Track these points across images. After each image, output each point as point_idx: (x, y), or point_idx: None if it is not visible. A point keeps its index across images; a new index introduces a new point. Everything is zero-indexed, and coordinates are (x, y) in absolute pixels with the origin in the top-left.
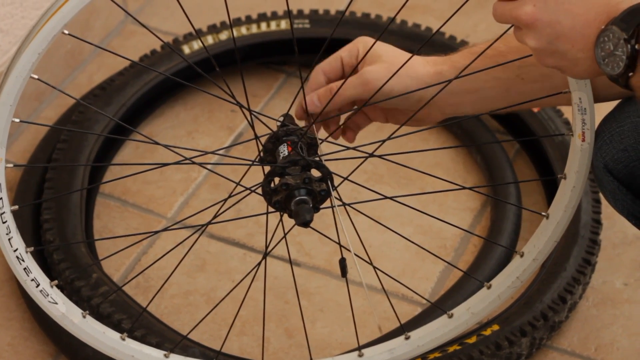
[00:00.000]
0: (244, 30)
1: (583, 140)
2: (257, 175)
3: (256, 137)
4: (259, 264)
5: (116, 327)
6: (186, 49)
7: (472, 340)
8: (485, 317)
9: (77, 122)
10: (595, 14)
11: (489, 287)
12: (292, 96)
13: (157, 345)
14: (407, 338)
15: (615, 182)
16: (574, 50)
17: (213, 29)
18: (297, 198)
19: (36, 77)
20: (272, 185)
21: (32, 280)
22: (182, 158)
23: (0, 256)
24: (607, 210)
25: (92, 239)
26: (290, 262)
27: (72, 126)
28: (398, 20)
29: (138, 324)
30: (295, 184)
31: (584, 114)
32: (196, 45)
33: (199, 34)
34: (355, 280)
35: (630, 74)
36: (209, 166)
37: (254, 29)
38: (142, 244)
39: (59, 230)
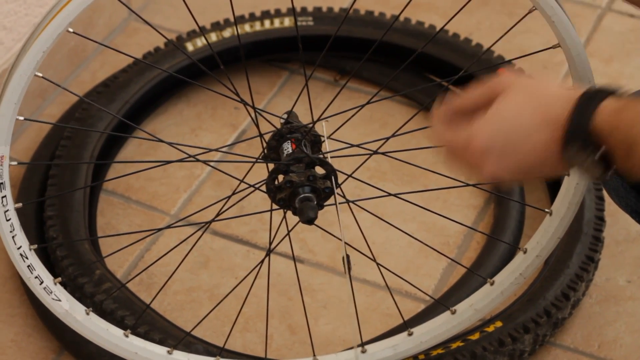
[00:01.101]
0: (247, 27)
1: None
2: (260, 172)
3: (260, 135)
4: (262, 261)
5: (119, 323)
6: (190, 47)
7: (475, 336)
8: (489, 314)
9: (81, 119)
10: (544, 142)
11: (492, 284)
12: (296, 94)
13: (161, 342)
14: (410, 334)
15: (619, 179)
16: (545, 169)
17: (217, 27)
18: (301, 195)
19: (40, 75)
20: (276, 182)
21: (36, 277)
22: (186, 155)
23: (4, 252)
24: (611, 208)
25: (95, 237)
26: (294, 258)
27: (76, 123)
28: (402, 17)
29: (141, 320)
30: (300, 181)
31: None
32: (200, 42)
33: (202, 31)
34: (359, 277)
35: (614, 167)
36: (212, 163)
37: (257, 26)
38: (146, 240)
39: (62, 227)
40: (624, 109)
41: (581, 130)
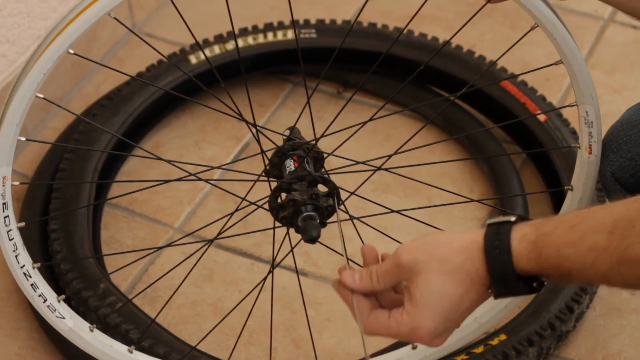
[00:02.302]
0: (250, 40)
1: (590, 152)
2: (263, 186)
3: (262, 152)
4: (265, 278)
5: (124, 337)
6: (193, 59)
7: (480, 349)
8: (493, 327)
9: (85, 132)
10: (475, 293)
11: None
12: (299, 106)
13: (165, 356)
14: (414, 348)
15: (623, 190)
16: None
17: (220, 39)
18: (304, 214)
19: (42, 96)
20: (279, 200)
21: (40, 295)
22: (187, 173)
23: (7, 267)
24: None
25: (100, 254)
26: (297, 272)
27: (79, 136)
28: (405, 30)
29: (146, 334)
30: (302, 199)
31: (591, 127)
32: (203, 55)
33: (201, 47)
34: None
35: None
36: (213, 181)
37: (260, 38)
38: (148, 252)
39: (66, 241)
40: (540, 246)
41: (507, 284)
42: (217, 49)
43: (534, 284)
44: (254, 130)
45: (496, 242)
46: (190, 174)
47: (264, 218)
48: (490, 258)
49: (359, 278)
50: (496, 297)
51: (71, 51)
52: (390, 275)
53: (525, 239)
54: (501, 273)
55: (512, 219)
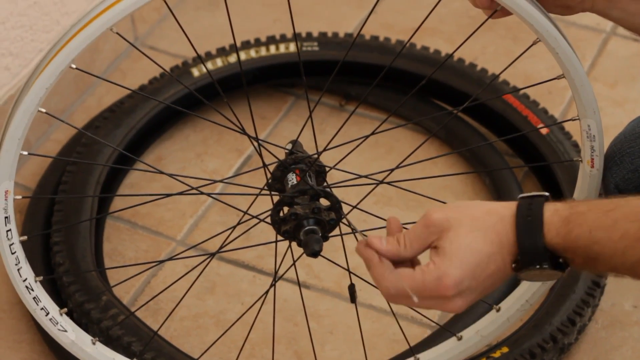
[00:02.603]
0: (253, 53)
1: (592, 166)
2: (266, 200)
3: (264, 166)
4: (267, 291)
5: (126, 350)
6: (195, 72)
7: None
8: (495, 340)
9: (87, 145)
10: (502, 260)
11: (498, 310)
12: (301, 118)
13: None
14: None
15: None
16: (496, 285)
17: (222, 52)
18: (306, 228)
19: (44, 110)
20: (281, 214)
21: (42, 309)
22: (188, 187)
23: (10, 280)
24: None
25: (102, 268)
26: (299, 285)
27: (82, 149)
28: (407, 43)
29: (148, 346)
30: (304, 213)
31: (593, 141)
32: (205, 68)
33: (203, 60)
34: (365, 302)
35: (568, 268)
36: (215, 194)
37: (263, 51)
38: (151, 265)
39: (68, 253)
40: (572, 226)
41: (536, 251)
42: (219, 62)
43: (560, 260)
44: (255, 144)
45: (529, 211)
46: (193, 188)
47: (266, 230)
48: (520, 225)
49: (386, 242)
50: (519, 269)
51: (73, 66)
52: (418, 240)
53: (557, 214)
54: (530, 240)
55: (546, 194)
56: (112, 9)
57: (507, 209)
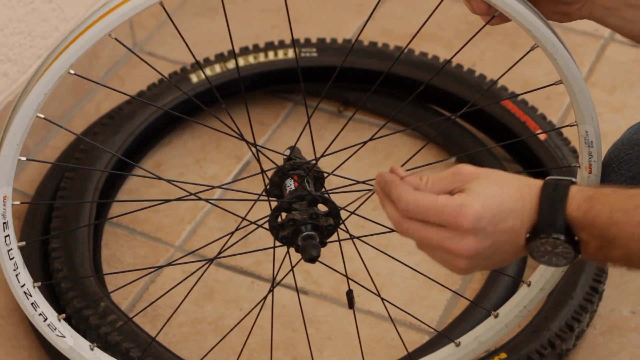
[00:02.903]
0: (251, 59)
1: (590, 172)
2: (264, 205)
3: (262, 172)
4: (265, 297)
5: (124, 356)
6: (194, 78)
7: None
8: (493, 346)
9: (86, 151)
10: (520, 223)
11: (496, 316)
12: (300, 124)
13: None
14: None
15: None
16: (505, 255)
17: (221, 58)
18: (304, 234)
19: (42, 116)
20: (279, 220)
21: (40, 314)
22: (187, 193)
23: (7, 285)
24: None
25: (101, 274)
26: (297, 291)
27: (81, 155)
28: (405, 49)
29: (146, 352)
30: (302, 219)
31: (591, 147)
32: (203, 74)
33: (201, 66)
34: (363, 308)
35: (579, 256)
36: (213, 200)
37: (261, 57)
38: (149, 271)
39: (66, 259)
40: (594, 203)
41: (555, 217)
42: (218, 68)
43: (575, 238)
44: (254, 149)
45: (555, 185)
46: (191, 194)
47: (264, 236)
48: (545, 193)
49: (407, 174)
50: (533, 238)
51: (72, 72)
52: (442, 182)
53: (582, 192)
54: (551, 209)
55: (574, 179)
56: (110, 14)
57: (535, 180)
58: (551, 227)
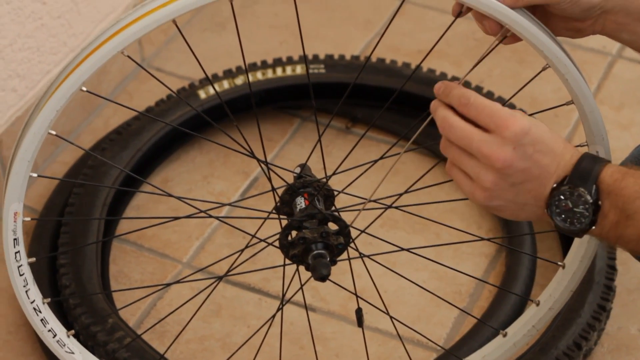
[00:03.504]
0: (259, 75)
1: None
2: (272, 223)
3: (273, 190)
4: (274, 316)
5: None
6: (202, 94)
7: None
8: None
9: (94, 167)
10: (555, 166)
11: (504, 335)
12: (307, 141)
13: None
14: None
15: None
16: (528, 197)
17: (229, 74)
18: (314, 252)
19: (54, 133)
20: (289, 238)
21: (49, 330)
22: (197, 210)
23: (16, 300)
24: (622, 256)
25: (109, 290)
26: (307, 309)
27: (89, 171)
28: (413, 65)
29: None
30: (313, 237)
31: None
32: (212, 90)
33: (211, 81)
34: (371, 326)
35: (593, 227)
36: (223, 217)
37: (269, 74)
38: (157, 288)
39: (74, 275)
40: (627, 175)
41: (589, 175)
42: (226, 84)
43: (599, 202)
44: (265, 167)
45: (595, 154)
46: (201, 211)
47: (272, 253)
48: (586, 155)
49: None
50: (557, 188)
51: (84, 89)
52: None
53: (619, 167)
54: (588, 164)
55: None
56: (122, 32)
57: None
58: (581, 179)
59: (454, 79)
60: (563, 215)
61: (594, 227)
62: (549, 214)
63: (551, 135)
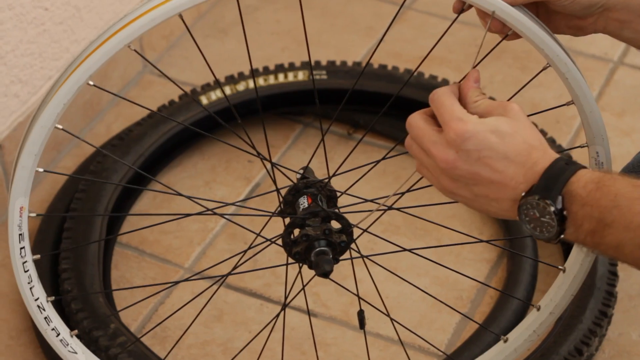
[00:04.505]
0: (261, 81)
1: None
2: (274, 225)
3: (277, 189)
4: (277, 315)
5: None
6: (204, 100)
7: None
8: None
9: (96, 172)
10: (511, 174)
11: (505, 341)
12: (309, 146)
13: None
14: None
15: None
16: (488, 200)
17: (231, 80)
18: (317, 249)
19: (61, 127)
20: (292, 236)
21: (53, 329)
22: (202, 209)
23: (18, 305)
24: None
25: (109, 290)
26: (309, 312)
27: (91, 176)
28: (415, 72)
29: None
30: (315, 235)
31: (602, 168)
32: (214, 95)
33: (219, 83)
34: (372, 331)
35: (562, 235)
36: (228, 217)
37: (271, 80)
38: (160, 294)
39: (76, 280)
40: (601, 185)
41: (554, 185)
42: (228, 90)
43: (564, 213)
44: (269, 166)
45: (567, 160)
46: (208, 209)
47: (274, 258)
48: (556, 162)
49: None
50: (525, 197)
51: (91, 83)
52: (489, 106)
53: (592, 173)
54: (555, 175)
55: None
56: (129, 26)
57: (555, 153)
58: (546, 191)
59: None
60: (532, 224)
61: (564, 235)
62: (519, 220)
63: (511, 142)
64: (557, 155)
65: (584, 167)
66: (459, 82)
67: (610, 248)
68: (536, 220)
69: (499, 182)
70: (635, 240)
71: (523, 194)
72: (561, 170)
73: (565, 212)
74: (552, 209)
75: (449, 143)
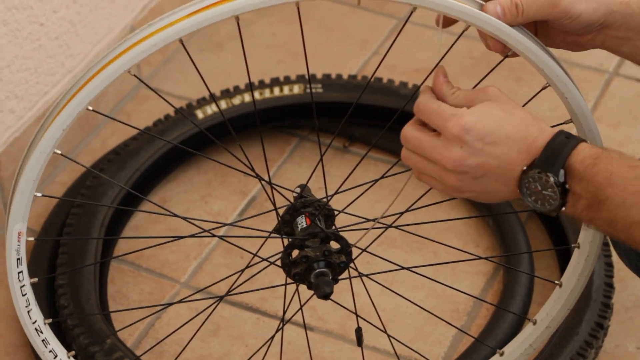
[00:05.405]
0: (257, 95)
1: None
2: (272, 243)
3: (275, 209)
4: (273, 337)
5: None
6: (200, 114)
7: None
8: None
9: (92, 187)
10: (516, 152)
11: (501, 354)
12: (305, 160)
13: None
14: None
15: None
16: (496, 185)
17: (226, 94)
18: (317, 270)
19: (59, 152)
20: (291, 257)
21: (50, 351)
22: (199, 229)
23: (16, 322)
24: (620, 274)
25: (107, 311)
26: (305, 328)
27: (86, 191)
28: (410, 84)
29: None
30: (315, 256)
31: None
32: (210, 110)
33: (213, 97)
34: (369, 345)
35: (563, 208)
36: (223, 235)
37: (267, 93)
38: (156, 309)
39: (73, 296)
40: (598, 161)
41: (556, 159)
42: (223, 104)
43: (566, 186)
44: (267, 187)
45: (567, 134)
46: (204, 230)
47: (270, 274)
48: (556, 136)
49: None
50: (526, 172)
51: (90, 108)
52: (468, 95)
53: (591, 148)
54: (556, 148)
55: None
56: (130, 51)
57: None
58: (548, 164)
59: None
60: (533, 197)
61: (565, 208)
62: (521, 194)
63: (507, 122)
64: (554, 130)
65: (584, 141)
66: (430, 84)
67: (604, 223)
68: (538, 194)
69: (507, 162)
70: (627, 219)
71: (525, 167)
72: (562, 144)
73: (567, 186)
74: (554, 180)
75: (452, 140)
